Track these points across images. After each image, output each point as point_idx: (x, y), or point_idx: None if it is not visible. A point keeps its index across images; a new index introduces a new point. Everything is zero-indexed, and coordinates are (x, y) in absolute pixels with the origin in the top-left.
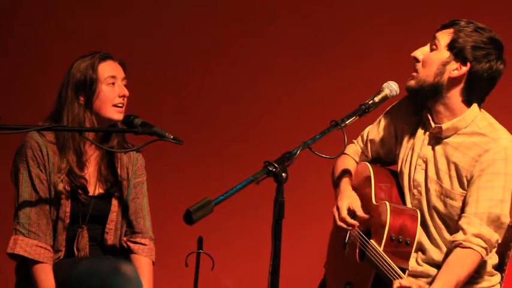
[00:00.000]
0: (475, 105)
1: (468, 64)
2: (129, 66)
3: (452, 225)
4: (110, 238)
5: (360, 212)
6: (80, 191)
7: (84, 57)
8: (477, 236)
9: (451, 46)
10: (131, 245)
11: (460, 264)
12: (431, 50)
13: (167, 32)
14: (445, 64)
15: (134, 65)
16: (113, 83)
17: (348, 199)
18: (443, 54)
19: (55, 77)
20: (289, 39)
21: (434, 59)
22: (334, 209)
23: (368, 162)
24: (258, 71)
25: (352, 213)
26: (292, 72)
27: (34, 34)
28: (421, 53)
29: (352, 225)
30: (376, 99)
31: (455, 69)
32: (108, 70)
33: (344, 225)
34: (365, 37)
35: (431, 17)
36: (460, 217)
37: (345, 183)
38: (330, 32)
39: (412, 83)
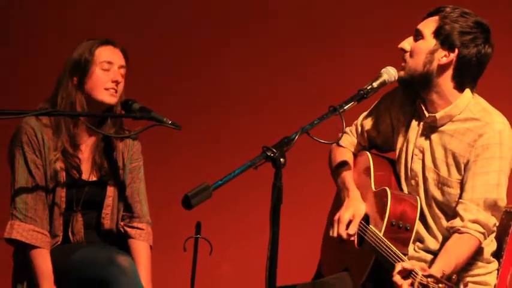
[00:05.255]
0: (467, 91)
1: (456, 50)
2: (128, 54)
3: (450, 213)
4: (107, 223)
5: (354, 224)
6: (74, 171)
7: (87, 41)
8: (474, 221)
9: (437, 33)
10: (128, 229)
11: (459, 248)
12: (418, 39)
13: (165, 21)
14: (432, 52)
15: (132, 52)
16: (108, 68)
17: (352, 208)
18: (430, 42)
19: (52, 68)
20: (288, 27)
21: (421, 48)
22: (336, 219)
23: (367, 151)
24: (257, 58)
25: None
26: (291, 58)
27: (31, 26)
28: (408, 43)
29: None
30: (375, 84)
31: (444, 56)
32: (106, 55)
33: (343, 235)
34: (363, 24)
35: (431, 5)
36: (457, 203)
37: (353, 186)
38: (328, 18)
39: (401, 73)
